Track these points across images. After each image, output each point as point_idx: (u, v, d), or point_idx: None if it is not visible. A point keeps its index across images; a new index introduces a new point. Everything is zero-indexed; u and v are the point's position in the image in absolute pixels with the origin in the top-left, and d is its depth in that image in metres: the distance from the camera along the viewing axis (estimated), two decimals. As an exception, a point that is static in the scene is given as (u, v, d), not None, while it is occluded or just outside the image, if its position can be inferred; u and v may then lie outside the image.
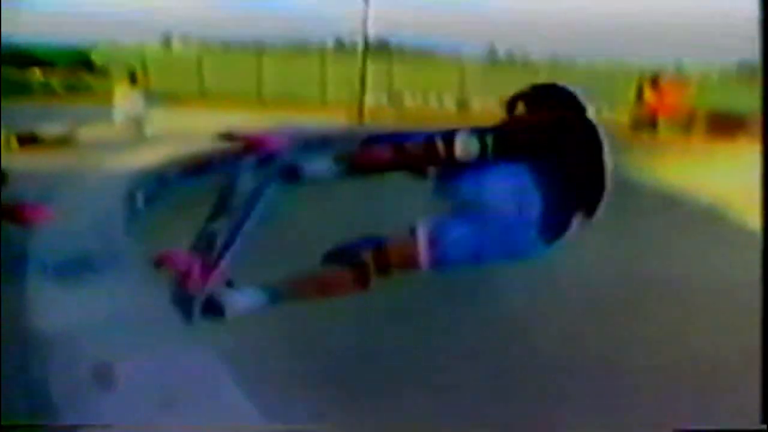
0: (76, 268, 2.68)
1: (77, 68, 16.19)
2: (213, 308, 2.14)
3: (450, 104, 13.75)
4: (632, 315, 4.57)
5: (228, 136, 2.25)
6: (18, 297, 2.43)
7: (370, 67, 12.49)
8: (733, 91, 12.78)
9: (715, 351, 3.89)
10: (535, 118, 2.27)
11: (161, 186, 5.07)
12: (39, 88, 14.77)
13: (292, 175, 2.21)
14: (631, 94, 12.60)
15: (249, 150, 2.23)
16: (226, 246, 2.17)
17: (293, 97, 13.77)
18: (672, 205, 7.72)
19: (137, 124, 8.66)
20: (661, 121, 11.72)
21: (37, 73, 15.31)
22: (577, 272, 4.78)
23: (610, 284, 5.03)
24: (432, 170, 2.26)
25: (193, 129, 8.23)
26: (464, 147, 2.16)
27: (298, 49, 16.95)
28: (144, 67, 14.39)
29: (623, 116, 12.13)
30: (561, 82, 2.31)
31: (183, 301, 2.15)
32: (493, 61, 16.69)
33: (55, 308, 2.39)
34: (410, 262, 2.18)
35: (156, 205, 4.79)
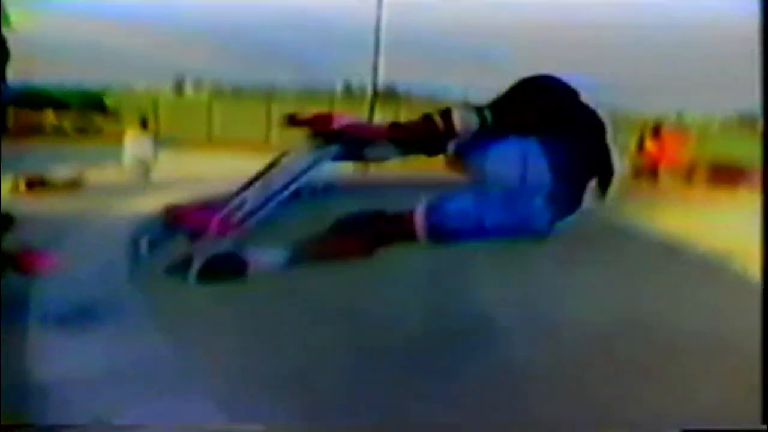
0: (77, 316, 2.71)
1: (90, 110, 16.53)
2: (236, 265, 2.14)
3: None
4: (631, 363, 4.55)
5: (292, 119, 2.27)
6: (19, 346, 2.46)
7: (377, 114, 12.68)
8: (734, 141, 12.93)
9: (716, 404, 3.86)
10: (531, 100, 2.30)
11: (166, 232, 5.13)
12: (51, 129, 15.08)
13: (356, 154, 2.28)
14: (633, 144, 12.76)
15: (315, 129, 2.27)
16: (253, 212, 2.17)
17: (299, 142, 13.96)
18: (672, 255, 7.73)
19: (145, 168, 8.80)
20: (662, 170, 11.82)
21: (50, 115, 15.63)
22: (576, 319, 4.79)
23: (609, 332, 5.02)
24: (450, 148, 2.26)
25: (200, 174, 8.36)
26: (463, 120, 2.18)
27: (308, 94, 17.29)
28: (155, 111, 14.70)
29: (624, 165, 12.26)
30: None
31: (184, 261, 2.12)
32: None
33: (56, 357, 2.41)
34: (408, 231, 2.19)
35: (160, 252, 4.84)
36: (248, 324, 3.82)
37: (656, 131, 12.27)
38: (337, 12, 15.98)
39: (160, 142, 9.68)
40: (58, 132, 15.17)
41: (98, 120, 16.16)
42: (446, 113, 2.18)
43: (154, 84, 17.54)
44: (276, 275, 2.19)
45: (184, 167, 9.12)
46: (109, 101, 16.77)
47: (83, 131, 15.62)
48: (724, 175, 11.54)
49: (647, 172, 11.79)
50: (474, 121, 2.18)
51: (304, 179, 2.20)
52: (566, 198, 2.21)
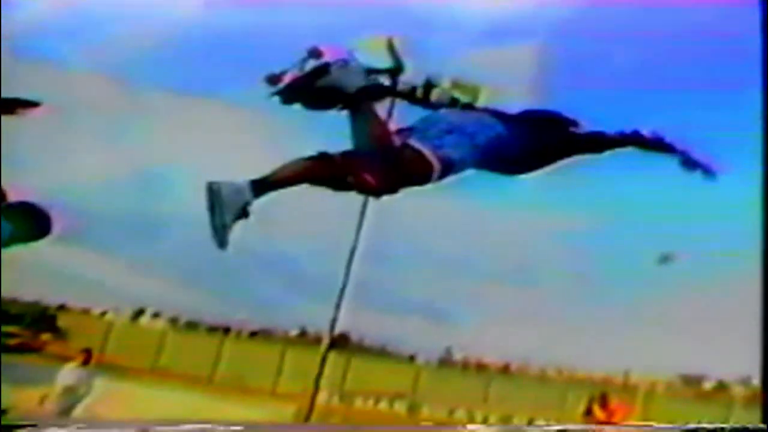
0: None
1: (40, 329, 16.22)
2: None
3: (401, 408, 13.68)
4: None
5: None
6: None
7: (328, 363, 12.69)
8: (681, 406, 13.17)
9: None
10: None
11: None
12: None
13: None
14: (581, 408, 12.79)
15: None
16: None
17: (245, 382, 13.75)
18: None
19: (74, 403, 8.51)
20: (612, 440, 11.66)
21: (-4, 328, 15.24)
22: None
23: None
24: None
25: (133, 408, 8.08)
26: (439, 96, 2.72)
27: (263, 334, 17.44)
28: (105, 338, 14.53)
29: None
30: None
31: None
32: (447, 363, 17.17)
33: None
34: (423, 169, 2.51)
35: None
36: None
37: (604, 400, 12.37)
38: (308, 260, 17.01)
39: (103, 366, 9.50)
40: (-1, 347, 14.67)
41: (45, 338, 15.83)
42: (428, 86, 2.76)
43: (113, 309, 17.61)
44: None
45: (120, 399, 8.85)
46: (62, 322, 16.58)
47: (24, 349, 15.17)
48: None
49: (596, 440, 11.61)
50: (446, 96, 2.73)
51: None
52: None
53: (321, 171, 2.55)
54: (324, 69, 2.71)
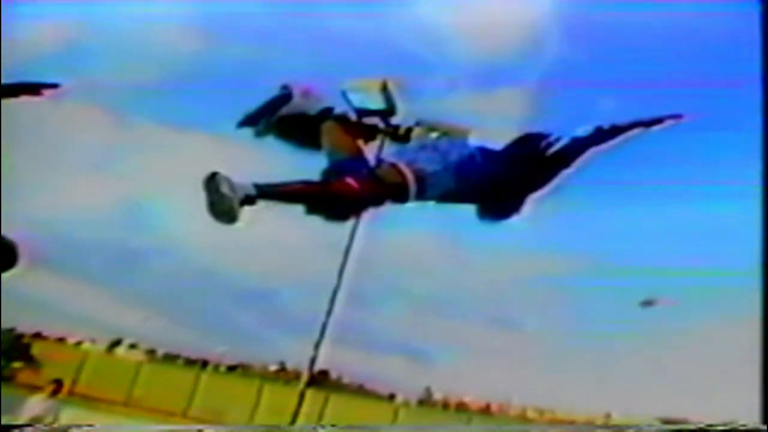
0: None
1: (13, 357, 15.86)
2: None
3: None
4: None
5: None
6: None
7: (306, 399, 12.49)
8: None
9: None
10: None
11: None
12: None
13: None
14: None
15: None
16: None
17: (221, 416, 13.48)
18: None
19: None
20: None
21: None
22: None
23: None
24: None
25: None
26: (419, 135, 2.86)
27: (241, 368, 17.19)
28: (79, 369, 14.21)
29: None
30: None
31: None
32: (427, 403, 16.96)
33: None
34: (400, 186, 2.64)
35: None
36: None
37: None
38: (290, 295, 16.91)
39: (74, 397, 9.25)
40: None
41: (16, 367, 15.47)
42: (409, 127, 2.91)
43: (89, 339, 17.29)
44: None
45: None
46: (36, 350, 16.23)
47: (-3, 377, 14.78)
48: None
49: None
50: (426, 137, 2.88)
51: None
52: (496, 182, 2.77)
53: (315, 189, 2.66)
54: (286, 97, 2.87)
